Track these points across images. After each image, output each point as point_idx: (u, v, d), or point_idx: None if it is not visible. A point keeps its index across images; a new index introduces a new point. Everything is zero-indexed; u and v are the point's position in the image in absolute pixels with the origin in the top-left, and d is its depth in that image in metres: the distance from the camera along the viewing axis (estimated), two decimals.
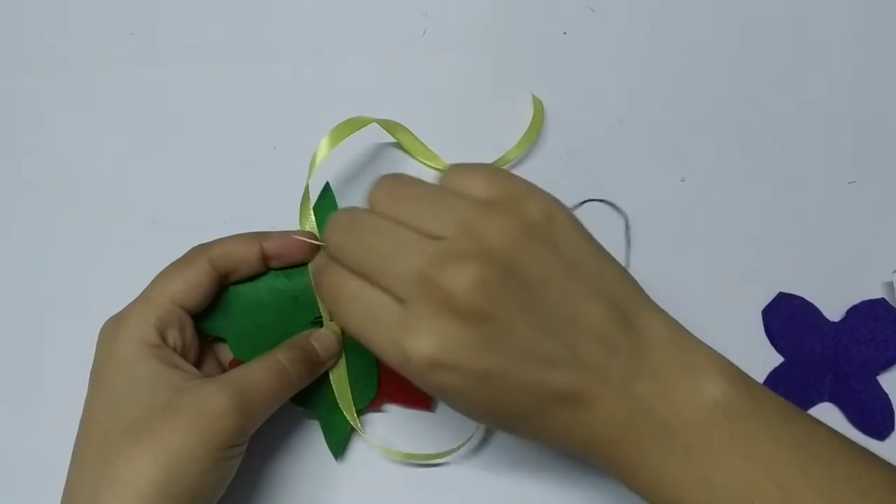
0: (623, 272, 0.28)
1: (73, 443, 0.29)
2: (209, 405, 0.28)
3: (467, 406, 0.26)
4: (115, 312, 0.31)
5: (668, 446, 0.25)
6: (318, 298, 0.33)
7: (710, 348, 0.27)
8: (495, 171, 0.27)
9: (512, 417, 0.26)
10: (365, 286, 0.26)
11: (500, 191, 0.26)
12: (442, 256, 0.24)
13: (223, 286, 0.33)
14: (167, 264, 0.32)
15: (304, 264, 0.34)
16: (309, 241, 0.33)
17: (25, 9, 0.43)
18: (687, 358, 0.26)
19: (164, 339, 0.30)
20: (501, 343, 0.24)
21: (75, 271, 0.38)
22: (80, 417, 0.29)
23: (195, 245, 0.32)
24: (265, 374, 0.30)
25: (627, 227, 0.38)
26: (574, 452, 0.27)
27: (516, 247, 0.25)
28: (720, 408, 0.25)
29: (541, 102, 0.40)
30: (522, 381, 0.25)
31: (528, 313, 0.25)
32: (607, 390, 0.25)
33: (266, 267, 0.33)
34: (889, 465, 0.26)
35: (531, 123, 0.40)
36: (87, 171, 0.40)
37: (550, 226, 0.26)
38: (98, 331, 0.30)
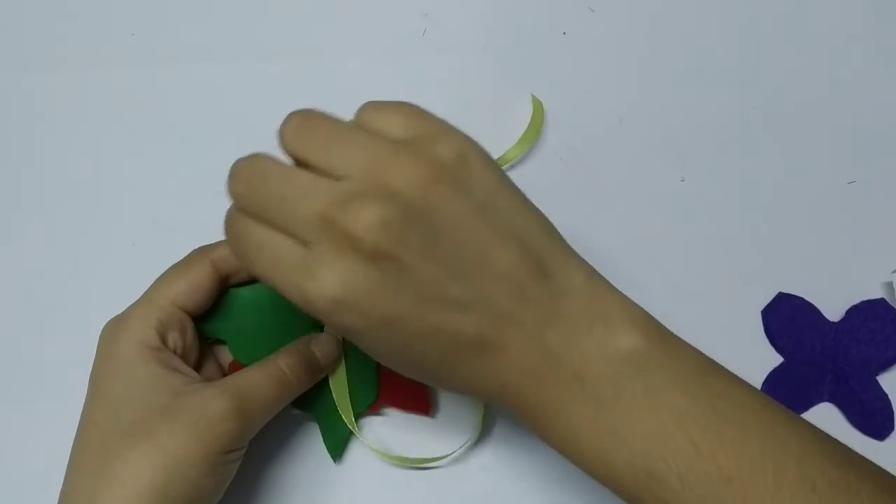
0: (541, 219, 0.27)
1: (71, 443, 0.29)
2: (208, 409, 0.28)
3: (377, 350, 0.26)
4: (114, 313, 0.31)
5: (577, 397, 0.25)
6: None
7: (628, 299, 0.27)
8: (410, 109, 0.27)
9: (423, 364, 0.26)
10: (269, 232, 0.25)
11: (413, 130, 0.26)
12: (345, 197, 0.24)
13: (224, 288, 0.33)
14: (167, 264, 0.32)
15: None
16: None
17: (25, 9, 0.43)
18: (602, 308, 0.26)
19: (164, 341, 0.30)
20: (405, 284, 0.24)
21: (75, 271, 0.38)
22: (79, 418, 0.29)
23: (197, 247, 0.32)
24: (265, 379, 0.30)
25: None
26: (491, 401, 0.27)
27: (424, 189, 0.24)
28: (632, 359, 0.25)
29: (540, 103, 0.40)
30: (429, 325, 0.24)
31: (433, 256, 0.24)
32: (518, 337, 0.25)
33: None
34: (806, 424, 0.25)
35: (530, 123, 0.40)
36: (87, 171, 0.40)
37: (463, 168, 0.25)
38: (98, 331, 0.31)
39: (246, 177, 0.26)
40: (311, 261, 0.24)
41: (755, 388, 0.26)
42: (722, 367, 0.26)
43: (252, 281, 0.33)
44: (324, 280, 0.23)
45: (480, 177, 0.25)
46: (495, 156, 0.39)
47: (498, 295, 0.25)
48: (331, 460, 0.35)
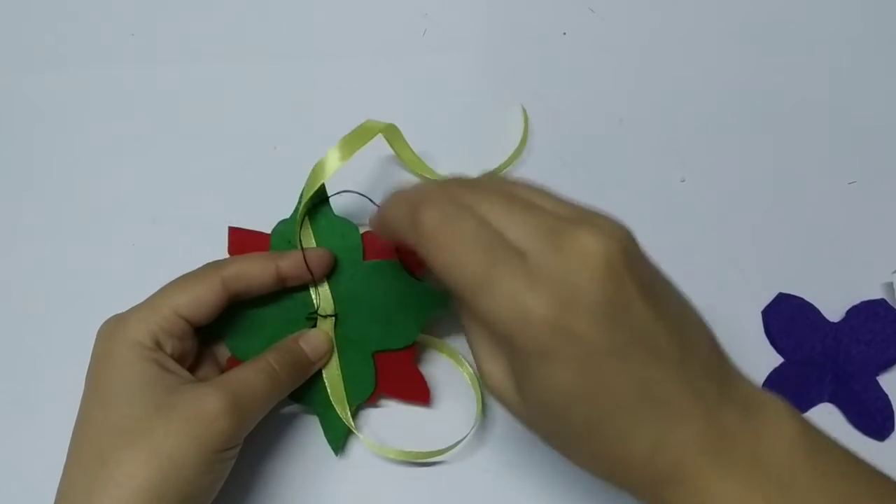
0: (698, 317, 0.26)
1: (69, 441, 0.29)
2: (203, 407, 0.28)
3: (569, 389, 0.23)
4: (114, 312, 0.31)
5: (756, 478, 0.24)
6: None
7: (764, 389, 0.27)
8: (557, 196, 0.27)
9: (604, 413, 0.23)
10: (487, 226, 0.23)
11: (578, 213, 0.26)
12: (577, 218, 0.24)
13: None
14: (167, 264, 0.32)
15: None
16: (326, 258, 0.33)
17: (25, 9, 0.43)
18: (760, 394, 0.26)
19: (161, 344, 0.30)
20: (625, 320, 0.23)
21: (75, 271, 0.38)
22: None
23: (208, 262, 0.32)
24: (256, 375, 0.30)
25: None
26: (644, 492, 0.25)
27: (629, 243, 0.24)
28: (801, 443, 0.25)
29: (525, 115, 0.40)
30: (632, 374, 0.23)
31: (649, 301, 0.23)
32: (701, 408, 0.24)
33: (281, 287, 0.33)
34: None
35: (521, 138, 0.40)
36: (87, 171, 0.40)
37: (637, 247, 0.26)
38: (96, 330, 0.30)
39: (467, 182, 0.26)
40: (536, 269, 0.22)
41: (886, 473, 0.26)
42: (854, 451, 0.26)
43: (258, 300, 0.33)
44: (547, 293, 0.22)
45: (646, 258, 0.26)
46: (495, 155, 0.39)
47: (692, 360, 0.24)
48: (331, 454, 0.35)
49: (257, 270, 0.32)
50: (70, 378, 0.30)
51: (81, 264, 0.38)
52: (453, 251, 0.23)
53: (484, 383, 0.27)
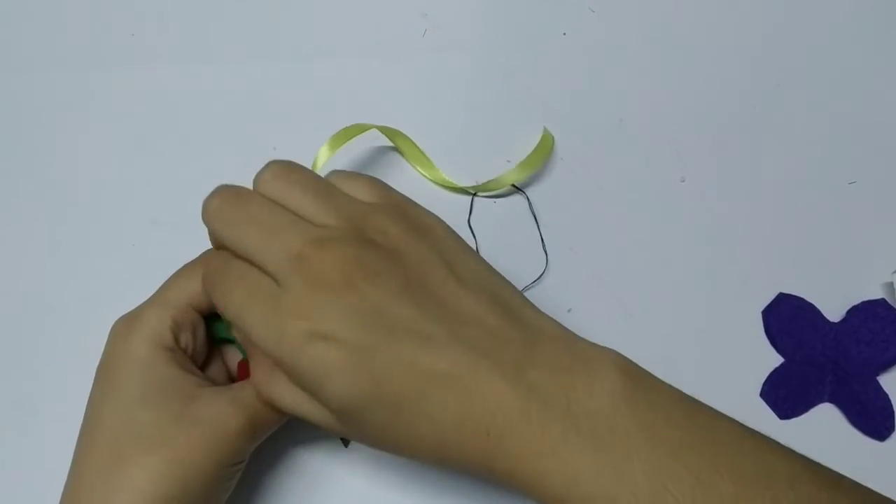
0: (505, 279, 0.28)
1: (72, 443, 0.29)
2: (226, 424, 0.28)
3: (349, 385, 0.24)
4: (115, 312, 0.31)
5: (571, 434, 0.24)
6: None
7: (599, 345, 0.27)
8: (379, 181, 0.29)
9: (395, 402, 0.24)
10: (248, 266, 0.26)
11: (384, 198, 0.28)
12: (322, 238, 0.25)
13: None
14: (167, 264, 0.32)
15: None
16: None
17: (25, 9, 0.43)
18: (579, 351, 0.26)
19: (178, 341, 0.29)
20: (380, 318, 0.24)
21: (75, 271, 0.38)
22: (81, 417, 0.29)
23: (207, 248, 0.32)
24: None
25: (530, 205, 0.39)
26: (482, 467, 0.25)
27: (397, 240, 0.26)
28: (620, 396, 0.24)
29: (551, 136, 0.40)
30: (403, 358, 0.24)
31: (406, 296, 0.25)
32: (498, 376, 0.24)
33: None
34: (790, 450, 0.25)
35: (536, 150, 0.39)
36: (87, 172, 0.40)
37: (430, 230, 0.28)
38: (98, 331, 0.30)
39: (225, 206, 0.28)
40: (285, 294, 0.25)
41: (735, 420, 0.26)
42: (701, 402, 0.26)
43: None
44: (297, 312, 0.24)
45: (446, 239, 0.28)
46: (495, 155, 0.39)
47: (472, 334, 0.25)
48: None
49: None
50: (70, 378, 0.30)
51: (81, 264, 0.38)
52: (227, 297, 0.27)
53: (308, 422, 0.27)
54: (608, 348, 0.26)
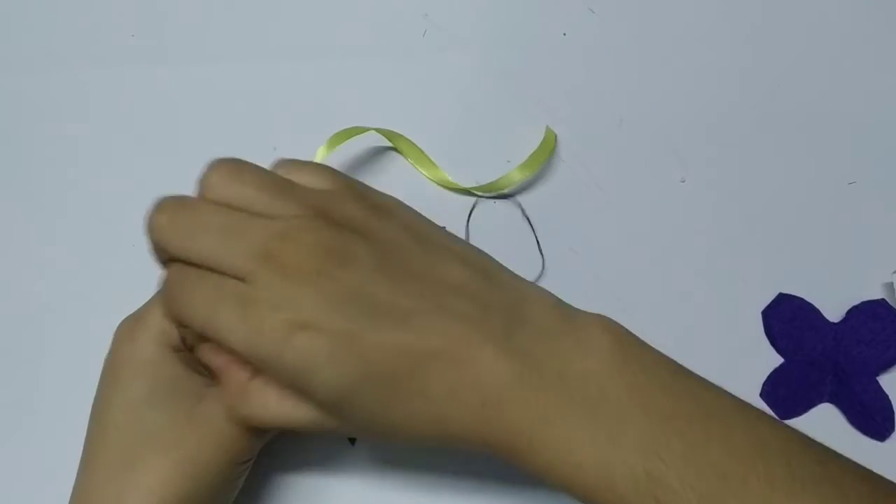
0: (477, 248, 0.28)
1: (72, 443, 0.29)
2: (236, 426, 0.28)
3: (338, 373, 0.24)
4: (115, 313, 0.30)
5: (564, 400, 0.24)
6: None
7: (586, 310, 0.26)
8: (328, 166, 0.28)
9: (386, 383, 0.24)
10: (208, 273, 0.25)
11: (338, 183, 0.27)
12: (286, 231, 0.24)
13: None
14: None
15: None
16: None
17: (26, 9, 0.43)
18: (567, 313, 0.26)
19: (183, 340, 0.29)
20: (359, 300, 0.24)
21: (75, 272, 0.38)
22: (81, 417, 0.29)
23: None
24: None
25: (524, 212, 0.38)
26: (475, 440, 0.25)
27: (363, 222, 0.25)
28: (610, 359, 0.24)
29: (554, 134, 0.40)
30: (388, 342, 0.24)
31: (381, 273, 0.24)
32: (489, 343, 0.24)
33: None
34: (783, 423, 0.25)
35: (539, 150, 0.39)
36: (87, 172, 0.40)
37: (393, 210, 0.27)
38: (98, 331, 0.30)
39: (175, 219, 0.26)
40: (256, 291, 0.24)
41: (723, 389, 0.26)
42: (692, 371, 0.26)
43: None
44: (273, 305, 0.23)
45: (409, 215, 0.27)
46: (494, 155, 0.39)
47: (455, 304, 0.25)
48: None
49: None
50: (70, 378, 0.30)
51: (81, 265, 0.38)
52: (194, 309, 0.25)
53: (294, 428, 0.26)
54: (596, 313, 0.26)
